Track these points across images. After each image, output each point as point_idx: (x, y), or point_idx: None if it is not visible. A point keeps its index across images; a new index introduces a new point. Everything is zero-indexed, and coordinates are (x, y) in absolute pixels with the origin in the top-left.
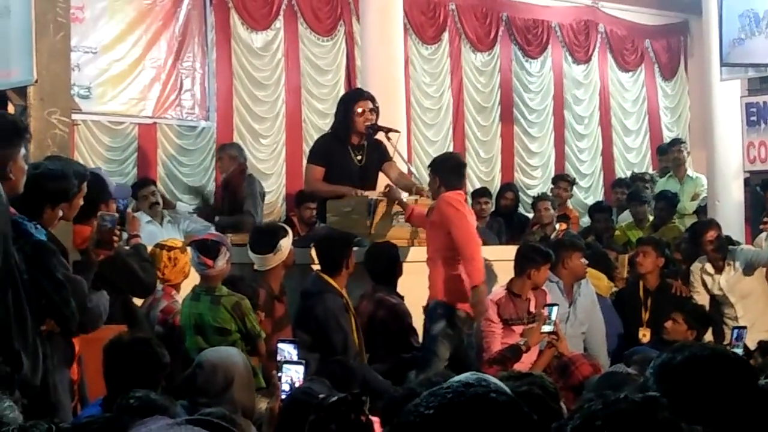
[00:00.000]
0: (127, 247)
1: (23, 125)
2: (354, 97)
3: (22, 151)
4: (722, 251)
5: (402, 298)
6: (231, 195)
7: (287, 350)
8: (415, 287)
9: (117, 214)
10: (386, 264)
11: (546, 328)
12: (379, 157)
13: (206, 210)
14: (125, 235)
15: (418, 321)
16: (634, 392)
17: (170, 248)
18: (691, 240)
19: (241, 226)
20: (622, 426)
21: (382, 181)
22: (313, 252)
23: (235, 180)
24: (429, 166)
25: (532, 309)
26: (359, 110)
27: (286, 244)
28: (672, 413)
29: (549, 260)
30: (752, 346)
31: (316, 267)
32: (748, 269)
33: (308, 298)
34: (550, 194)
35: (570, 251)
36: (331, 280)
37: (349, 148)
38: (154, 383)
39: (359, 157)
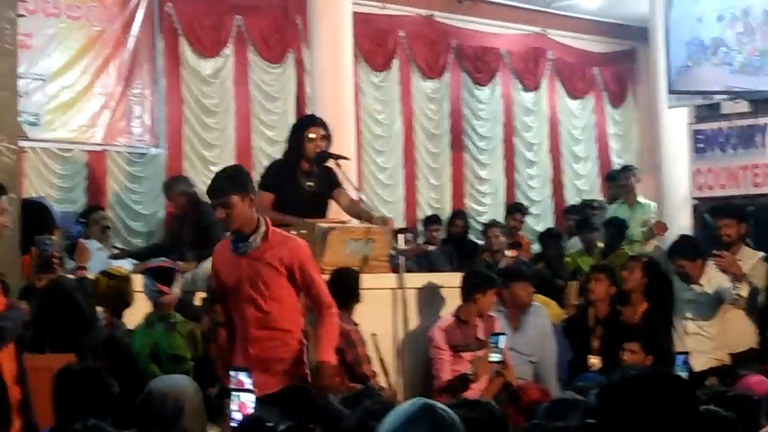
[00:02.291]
0: (72, 276)
1: None
2: (306, 123)
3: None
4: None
5: (356, 325)
6: (191, 228)
7: (239, 377)
8: (367, 315)
9: (56, 238)
10: (345, 289)
11: (494, 357)
12: (330, 183)
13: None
14: (72, 264)
15: (370, 349)
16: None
17: (113, 276)
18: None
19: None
20: None
21: (333, 207)
22: None
23: (191, 213)
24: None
25: (480, 335)
26: (311, 136)
27: None
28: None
29: (493, 285)
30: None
31: None
32: (714, 301)
33: None
34: (504, 223)
35: (513, 281)
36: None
37: (300, 174)
38: (103, 413)
39: (310, 184)
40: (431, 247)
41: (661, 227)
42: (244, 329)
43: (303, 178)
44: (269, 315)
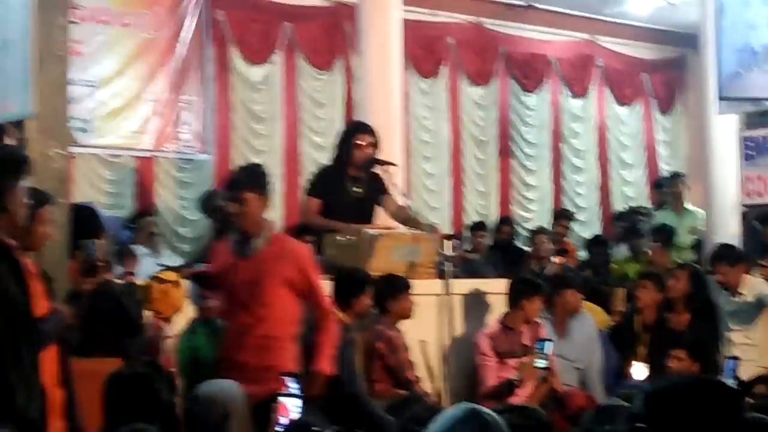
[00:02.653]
0: (120, 282)
1: (22, 157)
2: (355, 129)
3: (20, 183)
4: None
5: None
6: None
7: (289, 383)
8: (413, 321)
9: (102, 241)
10: (386, 290)
11: (539, 363)
12: (378, 190)
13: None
14: (120, 270)
15: (414, 353)
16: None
17: (162, 281)
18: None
19: None
20: None
21: (379, 214)
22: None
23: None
24: None
25: (526, 342)
26: (359, 143)
27: None
28: None
29: (540, 291)
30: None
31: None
32: (755, 308)
33: (314, 330)
34: (551, 230)
35: (563, 287)
36: (340, 313)
37: (347, 180)
38: (152, 418)
39: (357, 189)
40: (473, 255)
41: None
42: (235, 334)
43: (350, 184)
44: (262, 322)
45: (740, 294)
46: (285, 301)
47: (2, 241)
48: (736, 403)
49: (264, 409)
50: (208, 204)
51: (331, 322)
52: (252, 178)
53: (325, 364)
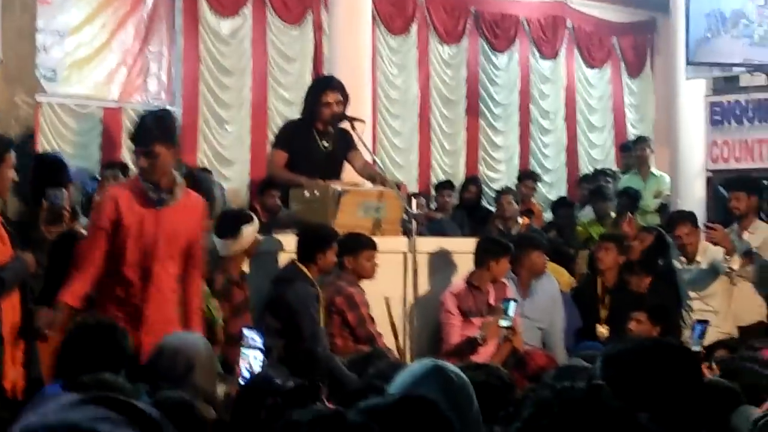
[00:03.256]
0: (85, 232)
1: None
2: (323, 85)
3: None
4: (685, 250)
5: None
6: None
7: (251, 336)
8: (378, 278)
9: (68, 191)
10: (347, 247)
11: (503, 323)
12: (346, 145)
13: None
14: (85, 220)
15: (378, 310)
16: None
17: None
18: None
19: None
20: (576, 413)
21: (347, 169)
22: (283, 239)
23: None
24: None
25: (492, 302)
26: (327, 100)
27: (248, 231)
28: (618, 401)
29: (508, 252)
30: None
31: (284, 255)
32: (709, 274)
33: (280, 284)
34: (516, 190)
35: (529, 249)
36: (305, 269)
37: (316, 134)
38: (116, 369)
39: (325, 144)
40: (440, 215)
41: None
42: (143, 288)
43: (318, 139)
44: (171, 274)
45: (696, 262)
46: (194, 254)
47: None
48: (693, 365)
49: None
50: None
51: (200, 277)
52: (163, 130)
53: (198, 325)
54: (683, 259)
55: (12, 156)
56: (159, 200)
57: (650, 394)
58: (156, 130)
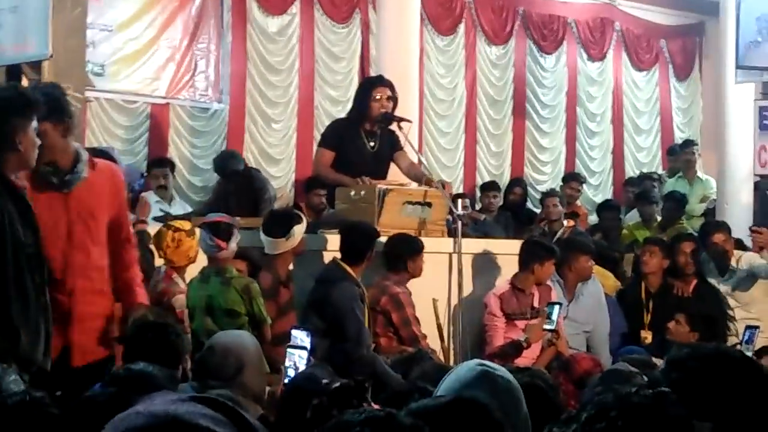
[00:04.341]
0: (132, 231)
1: (35, 97)
2: (374, 82)
3: (34, 124)
4: (722, 257)
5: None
6: (240, 192)
7: (300, 337)
8: (423, 278)
9: None
10: (400, 251)
11: (547, 326)
12: (392, 145)
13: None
14: (133, 218)
15: (423, 311)
16: (644, 387)
17: (177, 229)
18: (699, 239)
19: None
20: (635, 419)
21: (393, 170)
22: (328, 238)
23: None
24: None
25: (536, 304)
26: (377, 96)
27: (299, 230)
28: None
29: (553, 256)
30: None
31: (327, 254)
32: (748, 280)
33: (324, 284)
34: (561, 192)
35: (577, 253)
36: (349, 269)
37: (363, 133)
38: (171, 368)
39: (372, 144)
40: (483, 216)
41: None
42: (64, 280)
43: (365, 138)
44: (97, 261)
45: (730, 271)
46: (105, 233)
47: (13, 182)
48: (758, 374)
49: (96, 370)
50: (225, 166)
51: (133, 248)
52: (48, 107)
53: (144, 297)
54: (715, 270)
55: (34, 120)
56: (62, 183)
57: (714, 402)
58: (40, 106)
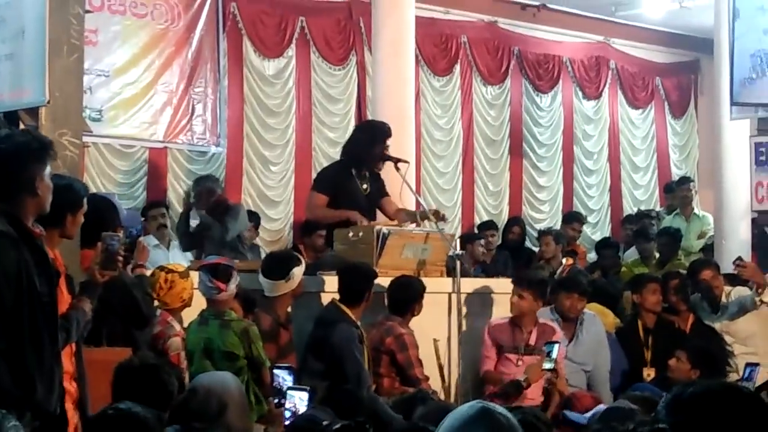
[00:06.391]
0: (131, 275)
1: (48, 141)
2: (385, 132)
3: (48, 168)
4: (711, 293)
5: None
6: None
7: (282, 376)
8: (422, 318)
9: (121, 235)
10: (408, 297)
11: (546, 365)
12: (380, 189)
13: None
14: (132, 263)
15: (424, 351)
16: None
17: (170, 271)
18: (689, 277)
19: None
20: None
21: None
22: (326, 279)
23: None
24: None
25: (532, 342)
26: (387, 145)
27: (298, 272)
28: None
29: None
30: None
31: (326, 295)
32: (740, 313)
33: (324, 326)
34: (562, 232)
35: (562, 290)
36: (347, 310)
37: (356, 176)
38: (160, 409)
39: (365, 186)
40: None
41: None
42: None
43: (359, 181)
44: None
45: (722, 307)
46: None
47: (30, 230)
48: (763, 409)
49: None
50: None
51: None
52: None
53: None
54: (708, 308)
55: (85, 202)
56: None
57: None
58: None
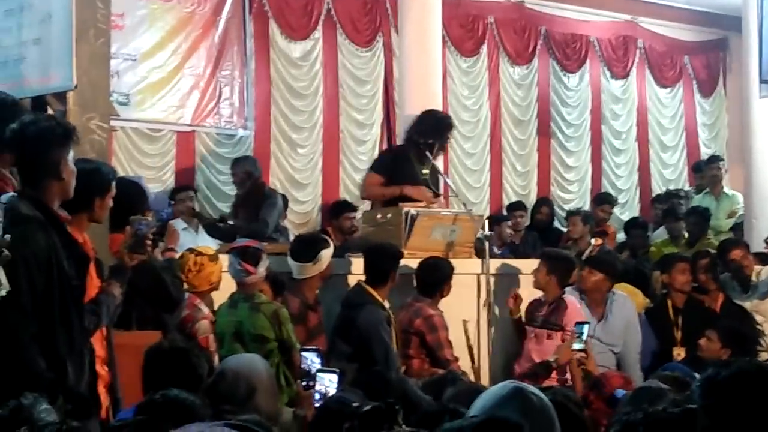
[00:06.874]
0: (161, 258)
1: (72, 126)
2: (451, 125)
3: (71, 153)
4: (741, 273)
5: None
6: (247, 209)
7: (310, 359)
8: (451, 300)
9: (151, 219)
10: (437, 278)
11: (576, 346)
12: (436, 177)
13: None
14: (161, 246)
15: (454, 332)
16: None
17: (199, 254)
18: (718, 257)
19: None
20: None
21: None
22: (354, 261)
23: (252, 195)
24: None
25: (548, 316)
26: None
27: (326, 255)
28: (717, 427)
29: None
30: None
31: (353, 277)
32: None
33: (350, 308)
34: (590, 212)
35: (585, 266)
36: (374, 292)
37: (414, 160)
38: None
39: (425, 171)
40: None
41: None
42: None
43: (420, 166)
44: None
45: (753, 285)
46: None
47: (57, 214)
48: None
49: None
50: (235, 167)
51: None
52: None
53: None
54: (738, 288)
55: (114, 185)
56: None
57: (752, 420)
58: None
